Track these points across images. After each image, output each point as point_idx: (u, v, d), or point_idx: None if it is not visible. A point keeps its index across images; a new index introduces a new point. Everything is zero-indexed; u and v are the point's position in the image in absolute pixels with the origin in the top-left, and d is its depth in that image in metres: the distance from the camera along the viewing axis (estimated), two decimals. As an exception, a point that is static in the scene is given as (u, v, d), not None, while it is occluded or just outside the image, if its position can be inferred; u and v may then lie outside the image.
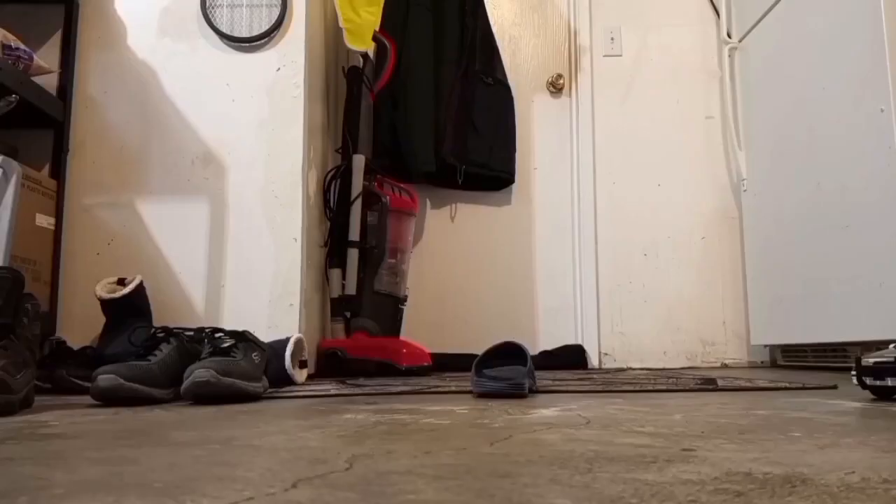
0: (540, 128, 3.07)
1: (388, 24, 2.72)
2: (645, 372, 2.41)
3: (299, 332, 1.98)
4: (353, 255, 2.42)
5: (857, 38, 2.09)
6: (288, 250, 2.06)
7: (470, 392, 1.42)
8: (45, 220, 1.92)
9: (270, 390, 1.50)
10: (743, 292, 2.92)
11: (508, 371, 1.36)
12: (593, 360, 2.88)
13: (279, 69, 2.14)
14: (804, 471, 0.57)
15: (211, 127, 2.11)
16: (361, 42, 2.52)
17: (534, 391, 1.43)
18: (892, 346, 1.18)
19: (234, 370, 1.27)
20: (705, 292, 2.94)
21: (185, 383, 1.23)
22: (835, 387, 1.51)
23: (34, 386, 1.21)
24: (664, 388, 1.49)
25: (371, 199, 2.47)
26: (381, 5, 2.60)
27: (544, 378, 1.91)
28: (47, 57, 2.04)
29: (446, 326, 2.91)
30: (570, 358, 2.80)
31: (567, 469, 0.58)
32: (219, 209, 2.07)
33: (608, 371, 2.56)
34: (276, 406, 1.20)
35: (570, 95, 3.09)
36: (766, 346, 2.87)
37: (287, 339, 1.71)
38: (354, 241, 2.42)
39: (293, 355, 1.69)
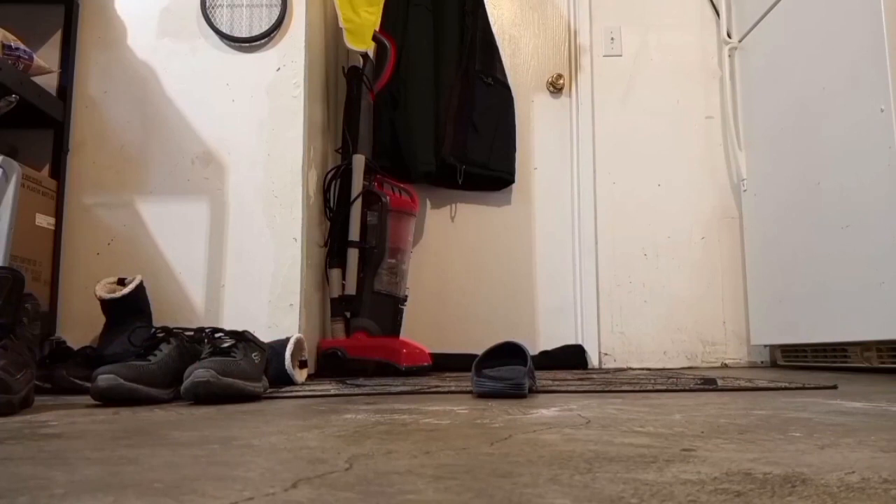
0: (540, 128, 3.07)
1: (388, 24, 2.72)
2: (645, 372, 2.41)
3: (299, 332, 1.98)
4: (353, 255, 2.42)
5: (856, 38, 2.09)
6: (288, 250, 2.06)
7: (470, 392, 1.42)
8: (45, 220, 1.92)
9: (270, 390, 1.50)
10: (743, 292, 2.92)
11: (508, 371, 1.36)
12: (593, 360, 2.88)
13: (279, 69, 2.14)
14: (804, 471, 0.57)
15: (211, 127, 2.11)
16: (361, 42, 2.52)
17: (534, 391, 1.43)
18: None
19: (233, 370, 1.27)
20: (705, 292, 2.94)
21: (185, 383, 1.23)
22: (835, 387, 1.51)
23: (34, 386, 1.21)
24: (664, 388, 1.49)
25: (371, 199, 2.47)
26: (381, 5, 2.60)
27: (544, 378, 1.91)
28: (47, 57, 2.04)
29: (446, 326, 2.91)
30: (570, 358, 2.80)
31: (567, 469, 0.58)
32: (219, 209, 2.08)
33: (608, 371, 2.56)
34: (276, 406, 1.20)
35: (570, 95, 3.09)
36: (766, 346, 2.87)
37: (287, 339, 1.71)
38: (354, 241, 2.42)
39: (293, 355, 1.69)
